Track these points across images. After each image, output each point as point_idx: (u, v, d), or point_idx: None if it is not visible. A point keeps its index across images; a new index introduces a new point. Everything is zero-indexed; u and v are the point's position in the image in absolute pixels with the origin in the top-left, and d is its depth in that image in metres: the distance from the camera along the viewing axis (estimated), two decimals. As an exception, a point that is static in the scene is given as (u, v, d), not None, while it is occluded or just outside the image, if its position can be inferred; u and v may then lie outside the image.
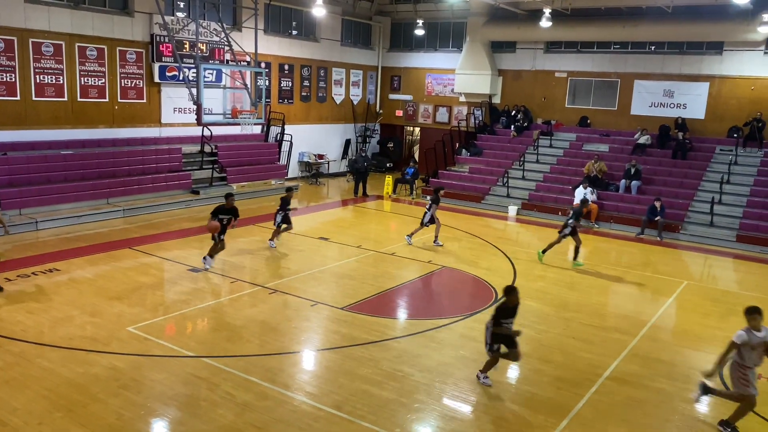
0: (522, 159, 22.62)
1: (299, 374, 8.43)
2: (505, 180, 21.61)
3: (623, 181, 19.88)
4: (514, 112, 25.01)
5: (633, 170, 19.82)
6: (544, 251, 14.35)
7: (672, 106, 22.20)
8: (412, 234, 15.68)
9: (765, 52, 20.45)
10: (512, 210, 20.23)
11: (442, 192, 16.23)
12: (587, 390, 8.10)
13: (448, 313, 10.70)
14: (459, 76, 25.93)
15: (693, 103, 21.87)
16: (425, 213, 15.51)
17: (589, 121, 24.00)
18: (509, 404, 7.69)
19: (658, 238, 17.56)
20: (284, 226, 14.73)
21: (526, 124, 24.51)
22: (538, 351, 9.40)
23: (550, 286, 12.66)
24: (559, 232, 14.14)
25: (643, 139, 21.51)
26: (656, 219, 17.67)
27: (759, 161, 19.83)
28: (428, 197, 16.62)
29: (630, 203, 19.18)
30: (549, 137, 23.59)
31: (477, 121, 26.01)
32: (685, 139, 20.90)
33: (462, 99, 26.69)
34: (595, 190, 19.32)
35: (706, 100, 21.69)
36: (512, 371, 8.87)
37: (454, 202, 21.47)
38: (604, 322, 10.79)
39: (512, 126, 24.60)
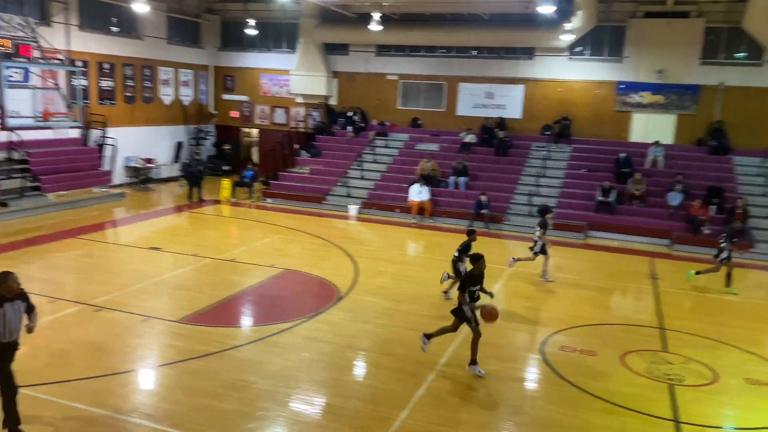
0: (360, 159, 23.11)
1: (132, 394, 7.86)
2: (345, 180, 21.93)
3: (452, 177, 21.08)
4: (350, 113, 25.45)
5: (461, 167, 21.09)
6: (698, 273, 13.86)
7: (493, 107, 23.94)
8: (519, 259, 14.00)
9: (569, 58, 22.79)
10: (353, 209, 20.57)
11: (550, 215, 13.82)
12: (425, 378, 8.46)
13: (291, 316, 10.60)
14: (294, 77, 25.85)
15: (511, 104, 23.77)
16: (535, 242, 13.53)
17: (420, 122, 25.12)
18: (353, 401, 7.79)
19: (486, 229, 18.85)
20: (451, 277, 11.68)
21: (363, 125, 25.07)
22: (378, 346, 9.64)
23: (389, 282, 13.05)
24: (716, 257, 13.60)
25: (469, 138, 22.98)
26: (483, 212, 18.97)
27: (568, 156, 22.05)
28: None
29: (460, 198, 20.38)
30: (384, 138, 24.34)
31: (315, 123, 26.10)
32: (505, 138, 22.65)
33: (299, 100, 26.63)
34: (427, 188, 20.23)
35: (522, 101, 23.68)
36: (358, 368, 9.01)
37: (295, 203, 21.37)
38: (440, 311, 11.29)
39: (349, 127, 25.03)
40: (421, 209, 19.82)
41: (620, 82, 22.15)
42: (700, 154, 20.98)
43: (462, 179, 20.94)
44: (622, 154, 20.65)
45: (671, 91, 21.55)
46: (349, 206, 20.69)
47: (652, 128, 21.91)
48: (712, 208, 18.22)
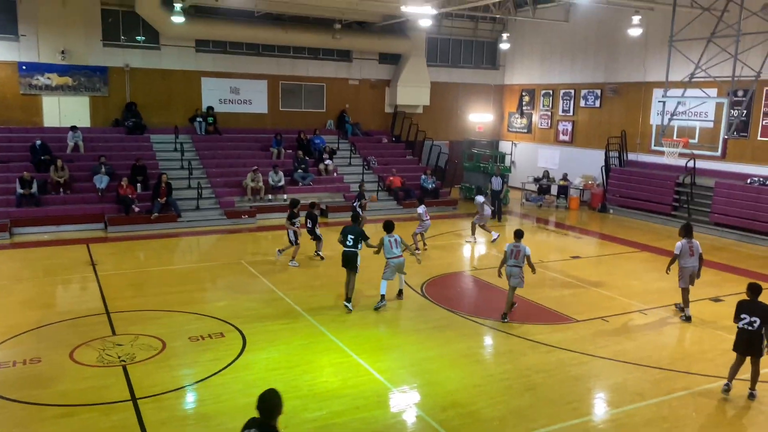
0: None
1: None
2: None
3: None
4: None
5: None
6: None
7: None
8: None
9: (-49, 33, 19.51)
10: None
11: (298, 207, 14.48)
12: None
13: None
14: None
15: None
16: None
17: None
18: None
19: None
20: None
21: None
22: None
23: None
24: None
25: None
26: None
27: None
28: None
29: None
30: None
31: None
32: None
33: None
34: None
35: None
36: None
37: None
38: None
39: None
40: None
41: (22, 63, 20.34)
42: (118, 134, 21.41)
43: None
44: (38, 141, 19.22)
45: (79, 72, 21.08)
46: None
47: (67, 111, 21.10)
48: (139, 185, 18.98)
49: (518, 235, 11.03)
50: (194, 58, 22.77)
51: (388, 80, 26.33)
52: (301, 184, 21.27)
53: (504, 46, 26.27)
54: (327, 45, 24.37)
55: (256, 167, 20.42)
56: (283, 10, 22.26)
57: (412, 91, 26.00)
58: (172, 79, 22.44)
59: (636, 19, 19.91)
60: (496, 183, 20.75)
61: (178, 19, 19.88)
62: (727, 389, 8.26)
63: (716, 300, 12.37)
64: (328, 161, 22.51)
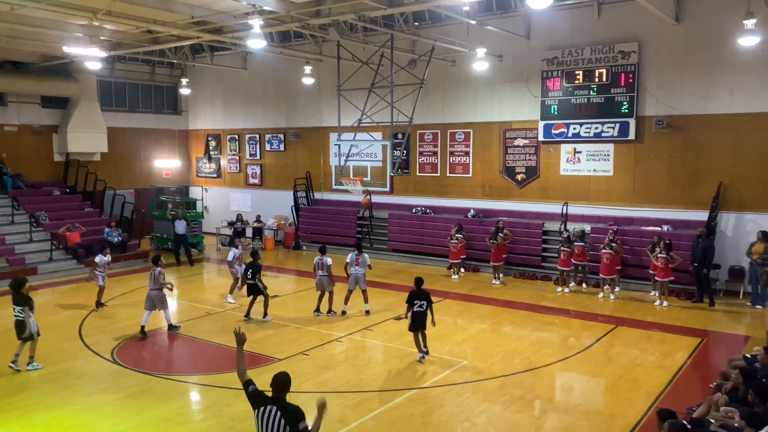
0: None
1: None
2: None
3: None
4: None
5: None
6: None
7: None
8: None
9: None
10: None
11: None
12: None
13: None
14: None
15: None
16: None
17: None
18: None
19: None
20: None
21: None
22: None
23: None
24: None
25: None
26: None
27: None
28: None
29: None
30: None
31: None
32: None
33: None
34: None
35: None
36: None
37: None
38: None
39: None
40: None
41: None
42: None
43: None
44: None
45: None
46: None
47: None
48: None
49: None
50: None
51: (56, 126, 23.63)
52: (-54, 251, 17.59)
53: (184, 91, 25.86)
54: (-28, 86, 20.91)
55: None
56: None
57: (86, 137, 23.73)
58: None
59: (308, 69, 21.50)
60: (180, 226, 20.49)
61: None
62: (421, 358, 11.02)
63: (398, 318, 13.78)
64: (-18, 221, 19.11)
